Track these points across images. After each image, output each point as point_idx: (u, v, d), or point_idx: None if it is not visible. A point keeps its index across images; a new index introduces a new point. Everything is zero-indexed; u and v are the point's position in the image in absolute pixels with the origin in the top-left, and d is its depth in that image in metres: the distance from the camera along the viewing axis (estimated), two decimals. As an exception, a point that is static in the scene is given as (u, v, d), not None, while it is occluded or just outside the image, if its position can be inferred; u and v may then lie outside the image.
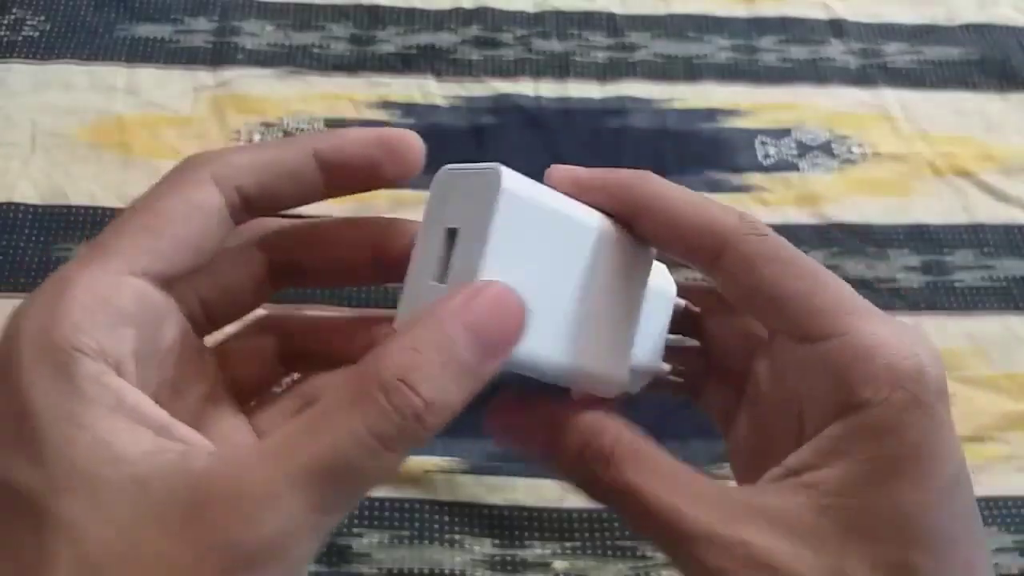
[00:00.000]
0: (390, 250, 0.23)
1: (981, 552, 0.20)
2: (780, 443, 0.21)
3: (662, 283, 0.25)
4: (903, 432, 0.19)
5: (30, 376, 0.16)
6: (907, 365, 0.19)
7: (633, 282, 0.23)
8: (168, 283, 0.20)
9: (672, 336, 0.26)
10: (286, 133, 0.51)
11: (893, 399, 0.19)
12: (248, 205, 0.21)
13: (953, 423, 0.20)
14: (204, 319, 0.22)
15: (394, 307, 0.22)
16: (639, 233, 0.23)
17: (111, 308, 0.18)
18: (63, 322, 0.17)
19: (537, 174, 0.55)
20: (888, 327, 0.20)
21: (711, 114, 0.53)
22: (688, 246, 0.22)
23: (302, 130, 0.51)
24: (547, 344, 0.20)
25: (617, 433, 0.21)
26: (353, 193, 0.22)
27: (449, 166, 0.21)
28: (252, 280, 0.23)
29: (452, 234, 0.20)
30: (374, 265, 0.23)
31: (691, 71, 0.55)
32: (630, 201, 0.23)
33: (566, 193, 0.22)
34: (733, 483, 0.24)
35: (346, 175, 0.21)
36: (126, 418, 0.17)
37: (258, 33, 0.54)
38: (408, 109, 0.52)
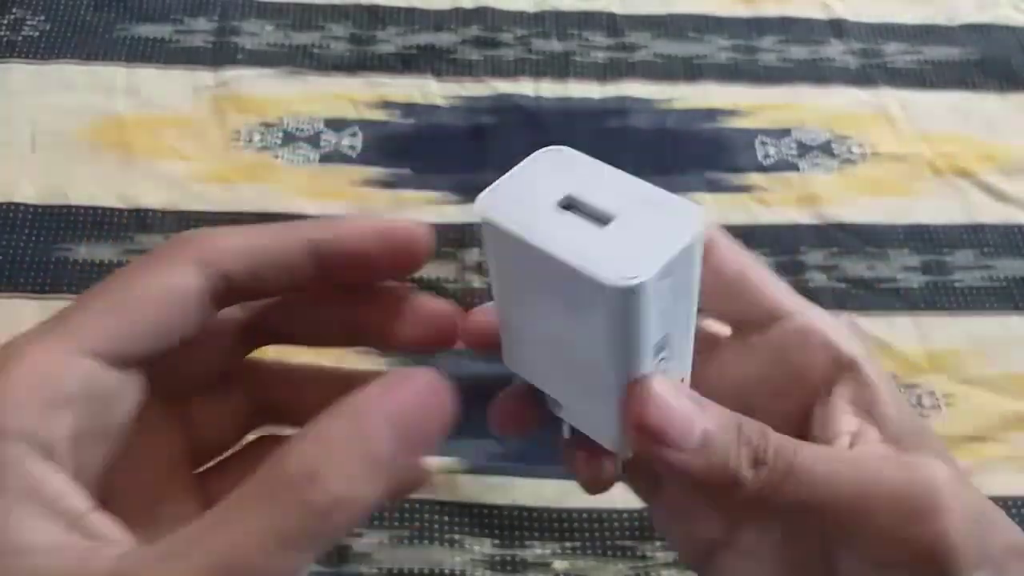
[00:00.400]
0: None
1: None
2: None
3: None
4: (882, 376, 0.22)
5: None
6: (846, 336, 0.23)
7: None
8: (127, 362, 0.18)
9: None
10: (286, 133, 0.51)
11: (866, 353, 0.22)
12: (234, 291, 0.20)
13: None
14: (170, 384, 0.21)
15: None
16: None
17: (52, 388, 0.17)
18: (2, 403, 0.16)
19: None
20: (815, 308, 0.23)
21: (711, 114, 0.53)
22: None
23: (302, 130, 0.51)
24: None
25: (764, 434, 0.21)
26: (348, 283, 0.21)
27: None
28: (222, 352, 0.22)
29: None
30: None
31: (691, 71, 0.55)
32: None
33: None
34: None
35: (341, 269, 0.20)
36: (40, 507, 0.16)
37: (258, 33, 0.54)
38: (408, 109, 0.52)
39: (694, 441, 0.19)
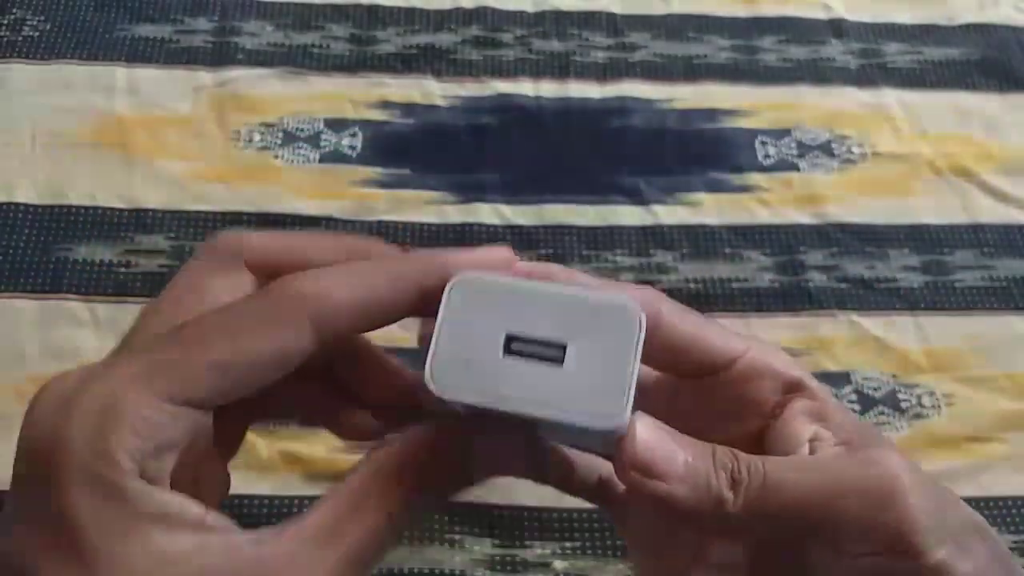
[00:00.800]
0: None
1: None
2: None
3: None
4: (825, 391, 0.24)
5: (79, 494, 0.17)
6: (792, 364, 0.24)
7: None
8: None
9: None
10: (286, 133, 0.51)
11: (808, 377, 0.24)
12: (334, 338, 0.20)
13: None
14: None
15: None
16: None
17: (154, 439, 0.18)
18: (112, 447, 0.17)
19: (537, 174, 0.55)
20: (755, 341, 0.24)
21: (711, 114, 0.53)
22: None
23: (302, 130, 0.51)
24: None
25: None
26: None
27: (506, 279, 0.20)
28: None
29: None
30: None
31: (691, 71, 0.55)
32: None
33: None
34: None
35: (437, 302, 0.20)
36: (168, 525, 0.17)
37: (258, 33, 0.54)
38: (408, 109, 0.52)
39: (679, 471, 0.20)
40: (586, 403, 0.19)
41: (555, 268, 0.22)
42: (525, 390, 0.19)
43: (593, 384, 0.19)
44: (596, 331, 0.19)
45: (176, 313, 0.20)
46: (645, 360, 0.21)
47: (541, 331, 0.19)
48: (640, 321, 0.20)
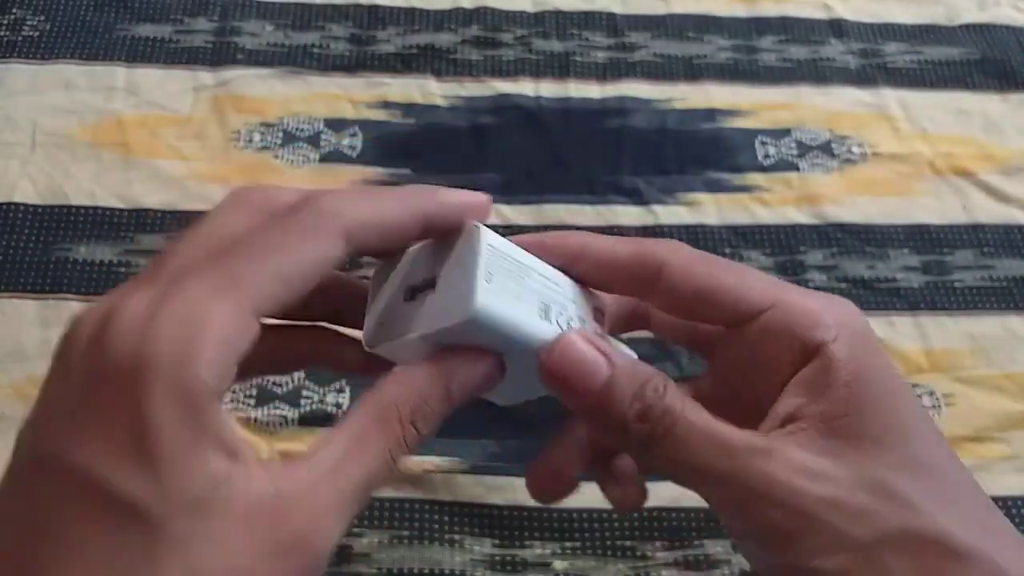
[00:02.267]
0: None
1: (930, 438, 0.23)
2: (743, 414, 0.24)
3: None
4: (860, 363, 0.23)
5: (160, 405, 0.18)
6: (841, 313, 0.24)
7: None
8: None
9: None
10: (286, 133, 0.51)
11: (843, 339, 0.24)
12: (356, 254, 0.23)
13: (887, 358, 0.24)
14: None
15: None
16: (583, 281, 0.27)
17: (234, 350, 0.19)
18: (198, 361, 0.18)
19: (537, 174, 0.55)
20: (811, 295, 0.25)
21: (711, 114, 0.53)
22: (629, 276, 0.26)
23: (302, 130, 0.51)
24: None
25: (667, 383, 0.24)
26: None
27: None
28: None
29: (425, 277, 0.24)
30: None
31: (691, 71, 0.55)
32: (567, 256, 0.26)
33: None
34: None
35: (436, 232, 0.24)
36: (224, 450, 0.19)
37: (258, 33, 0.54)
38: (408, 109, 0.52)
39: (596, 388, 0.23)
40: (450, 307, 0.22)
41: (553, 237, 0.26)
42: (416, 321, 0.23)
43: (455, 293, 0.22)
44: (454, 255, 0.23)
45: (213, 242, 0.21)
46: (664, 308, 0.26)
47: (423, 275, 0.23)
48: (477, 229, 0.23)
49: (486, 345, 0.23)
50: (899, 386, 0.24)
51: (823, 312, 0.24)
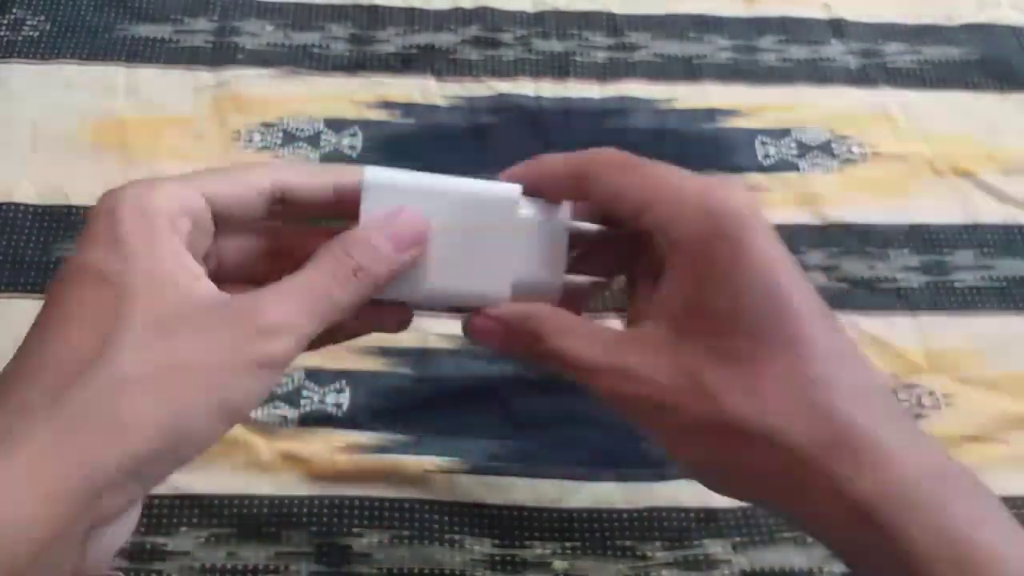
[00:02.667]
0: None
1: (814, 327, 0.25)
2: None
3: (558, 220, 0.31)
4: (706, 254, 0.26)
5: (127, 216, 0.26)
6: (700, 202, 0.26)
7: (502, 229, 0.31)
8: (219, 213, 0.28)
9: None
10: (286, 133, 0.51)
11: (690, 235, 0.26)
12: (282, 203, 0.29)
13: (764, 236, 0.26)
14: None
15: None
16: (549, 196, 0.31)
17: (182, 202, 0.27)
18: (156, 196, 0.26)
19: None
20: (693, 178, 0.28)
21: (711, 114, 0.53)
22: (568, 188, 0.30)
23: (302, 130, 0.51)
24: (427, 283, 0.30)
25: (542, 315, 0.29)
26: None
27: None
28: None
29: None
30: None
31: (691, 71, 0.55)
32: (530, 178, 0.31)
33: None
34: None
35: (350, 211, 0.30)
36: (180, 256, 0.26)
37: (258, 33, 0.54)
38: (408, 109, 0.52)
39: (498, 340, 0.30)
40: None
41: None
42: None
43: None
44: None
45: None
46: (597, 214, 0.31)
47: None
48: (365, 178, 0.30)
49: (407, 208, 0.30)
50: (760, 272, 0.25)
51: (680, 205, 0.27)
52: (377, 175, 0.30)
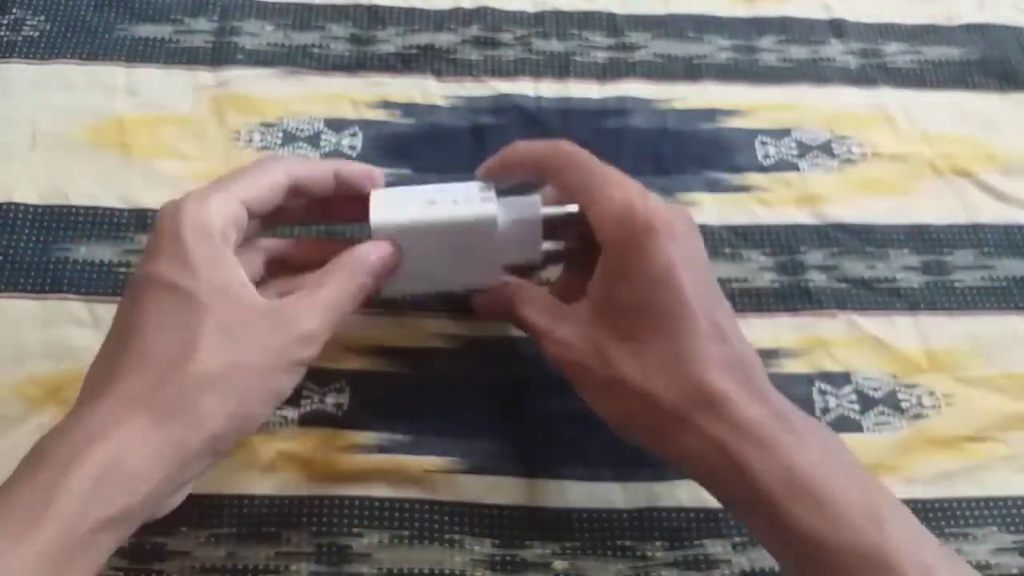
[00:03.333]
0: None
1: (696, 314, 0.33)
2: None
3: (531, 213, 0.40)
4: (621, 254, 0.34)
5: (190, 236, 0.32)
6: (621, 213, 0.34)
7: (487, 241, 0.38)
8: (252, 212, 0.35)
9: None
10: (286, 133, 0.51)
11: (614, 238, 0.34)
12: (296, 193, 0.37)
13: (667, 243, 0.33)
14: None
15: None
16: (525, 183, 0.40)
17: (229, 212, 0.34)
18: (209, 213, 0.33)
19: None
20: (622, 190, 0.35)
21: (711, 114, 0.53)
22: (534, 177, 0.40)
23: (302, 130, 0.51)
24: (432, 283, 0.41)
25: (514, 288, 0.39)
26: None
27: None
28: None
29: None
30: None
31: (691, 71, 0.55)
32: (499, 170, 0.40)
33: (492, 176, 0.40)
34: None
35: (347, 192, 0.39)
36: (233, 266, 0.33)
37: (258, 33, 0.54)
38: (408, 109, 0.52)
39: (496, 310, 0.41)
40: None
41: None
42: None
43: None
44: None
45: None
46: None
47: None
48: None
49: (406, 239, 0.38)
50: (658, 272, 0.33)
51: (607, 213, 0.34)
52: (381, 219, 0.38)
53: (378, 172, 0.39)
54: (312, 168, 0.37)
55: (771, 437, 0.31)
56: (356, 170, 0.39)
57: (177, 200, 0.33)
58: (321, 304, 0.34)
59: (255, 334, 0.31)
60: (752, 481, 0.30)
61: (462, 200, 0.38)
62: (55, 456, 0.28)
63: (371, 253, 0.36)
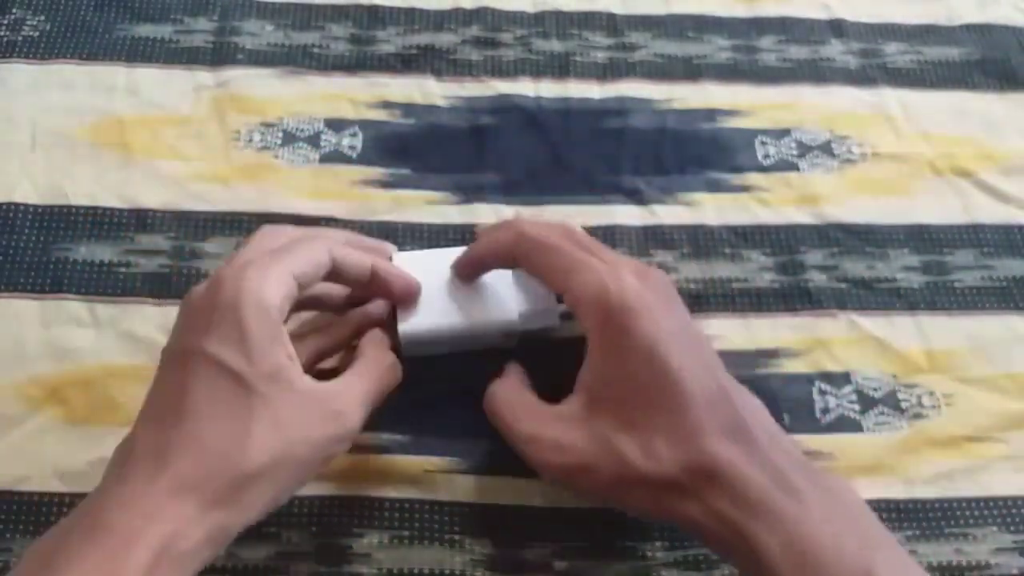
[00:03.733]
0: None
1: (692, 385, 0.33)
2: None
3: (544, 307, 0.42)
4: (603, 343, 0.34)
5: (250, 315, 0.32)
6: (596, 297, 0.34)
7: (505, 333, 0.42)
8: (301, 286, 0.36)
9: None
10: (286, 133, 0.51)
11: (594, 324, 0.35)
12: (332, 273, 0.38)
13: (647, 319, 0.34)
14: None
15: None
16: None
17: (286, 291, 0.34)
18: (269, 291, 0.33)
19: (537, 174, 0.55)
20: (591, 272, 0.35)
21: (711, 114, 0.53)
22: (505, 267, 0.41)
23: (302, 130, 0.51)
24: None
25: (497, 394, 0.39)
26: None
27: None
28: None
29: None
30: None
31: (691, 71, 0.55)
32: (468, 269, 0.41)
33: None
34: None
35: (379, 292, 0.41)
36: (287, 347, 0.34)
37: (258, 33, 0.54)
38: (408, 109, 0.52)
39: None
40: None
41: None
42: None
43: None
44: None
45: (262, 248, 0.37)
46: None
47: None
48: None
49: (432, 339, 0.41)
50: (643, 353, 0.33)
51: (582, 298, 0.35)
52: (411, 330, 0.40)
53: (415, 282, 0.40)
54: (352, 258, 0.38)
55: (773, 507, 0.31)
56: (395, 278, 0.39)
57: (236, 269, 0.33)
58: (354, 387, 0.36)
59: (303, 425, 0.32)
60: (757, 556, 0.31)
61: (487, 295, 0.41)
62: (119, 529, 0.29)
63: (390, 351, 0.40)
